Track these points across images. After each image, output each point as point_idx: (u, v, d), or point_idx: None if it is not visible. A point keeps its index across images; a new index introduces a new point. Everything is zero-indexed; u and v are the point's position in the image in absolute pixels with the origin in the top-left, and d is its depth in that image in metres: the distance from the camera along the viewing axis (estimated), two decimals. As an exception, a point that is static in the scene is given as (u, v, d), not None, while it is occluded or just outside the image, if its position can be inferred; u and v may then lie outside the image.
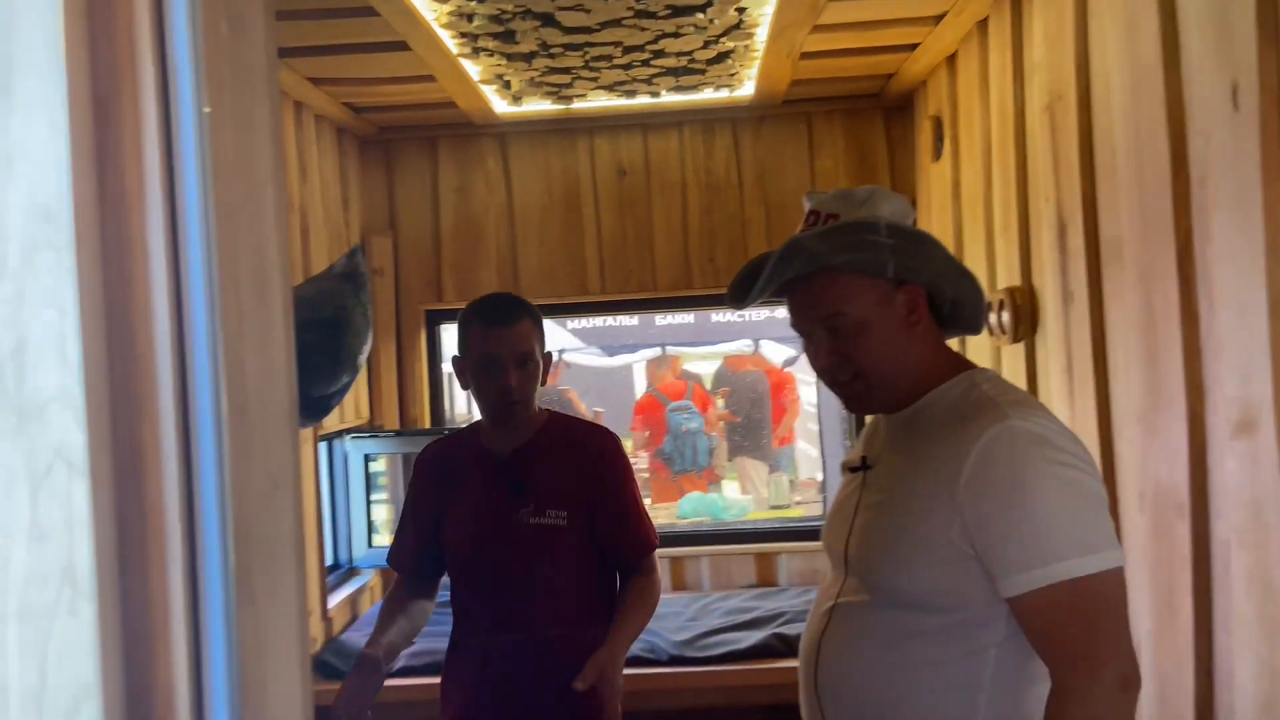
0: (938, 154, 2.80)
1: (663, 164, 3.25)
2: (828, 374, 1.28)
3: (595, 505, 1.79)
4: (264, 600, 0.67)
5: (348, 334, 2.02)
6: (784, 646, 2.55)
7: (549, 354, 1.84)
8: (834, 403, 4.34)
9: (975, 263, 2.48)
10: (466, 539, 1.76)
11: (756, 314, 6.05)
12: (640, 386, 6.94)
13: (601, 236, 3.27)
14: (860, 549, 1.26)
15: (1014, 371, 2.23)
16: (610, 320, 6.32)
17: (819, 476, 4.85)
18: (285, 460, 0.71)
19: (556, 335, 6.12)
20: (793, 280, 1.24)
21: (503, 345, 1.73)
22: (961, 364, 1.31)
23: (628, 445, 7.02)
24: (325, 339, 2.01)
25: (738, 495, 6.37)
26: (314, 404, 2.05)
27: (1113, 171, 1.71)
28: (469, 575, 1.76)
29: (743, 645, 2.60)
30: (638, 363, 6.53)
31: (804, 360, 5.98)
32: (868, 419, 1.47)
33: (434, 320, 3.35)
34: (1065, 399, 1.95)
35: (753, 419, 6.82)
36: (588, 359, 6.23)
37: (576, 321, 6.13)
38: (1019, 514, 1.12)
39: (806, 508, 5.46)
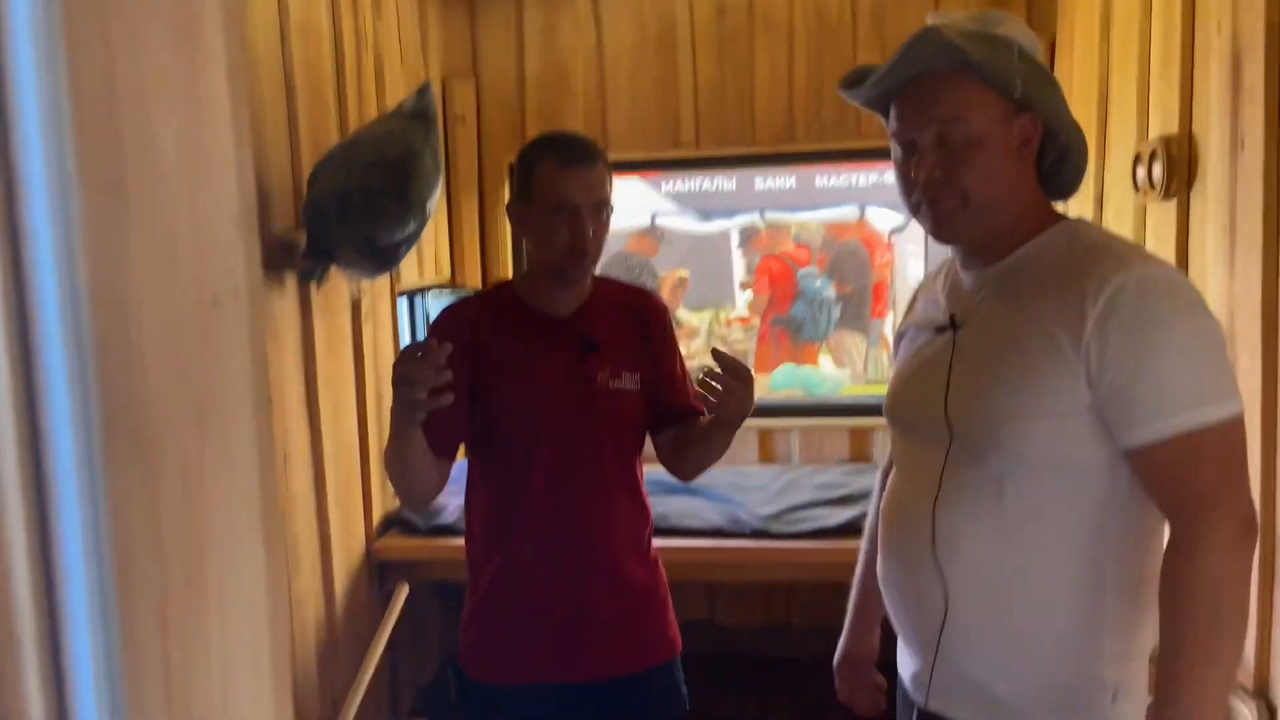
0: (1049, 64, 2.44)
1: (768, 2, 2.95)
2: (926, 189, 1.19)
3: (656, 370, 1.67)
4: (195, 567, 0.47)
5: (416, 177, 1.86)
6: (876, 526, 2.40)
7: (612, 206, 1.63)
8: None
9: (1124, 109, 2.16)
10: (536, 404, 1.58)
11: (864, 177, 5.67)
12: (736, 254, 6.71)
13: (698, 84, 3.01)
14: (969, 410, 1.19)
15: (1161, 232, 1.95)
16: (705, 183, 6.03)
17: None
18: (233, 280, 0.52)
19: (650, 198, 5.87)
20: (908, 82, 1.18)
21: (580, 190, 1.52)
22: (1054, 213, 1.23)
23: (732, 311, 6.86)
24: (391, 182, 1.86)
25: (832, 369, 6.16)
26: (381, 252, 1.92)
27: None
28: (537, 443, 1.57)
29: (830, 522, 2.46)
30: (733, 229, 6.27)
31: (912, 229, 5.59)
32: (930, 274, 1.39)
33: (518, 173, 3.17)
34: (1224, 262, 1.68)
35: (855, 289, 6.53)
36: (681, 224, 5.98)
37: (670, 183, 5.86)
38: (1150, 363, 1.07)
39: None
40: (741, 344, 6.47)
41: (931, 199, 1.19)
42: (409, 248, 1.97)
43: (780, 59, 2.97)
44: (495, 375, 1.57)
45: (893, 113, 1.22)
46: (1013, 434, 1.14)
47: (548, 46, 3.05)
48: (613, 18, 3.02)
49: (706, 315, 7.06)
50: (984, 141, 1.16)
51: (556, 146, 1.57)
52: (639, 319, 1.68)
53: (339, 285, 2.26)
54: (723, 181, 5.94)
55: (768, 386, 5.71)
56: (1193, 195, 1.84)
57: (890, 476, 1.37)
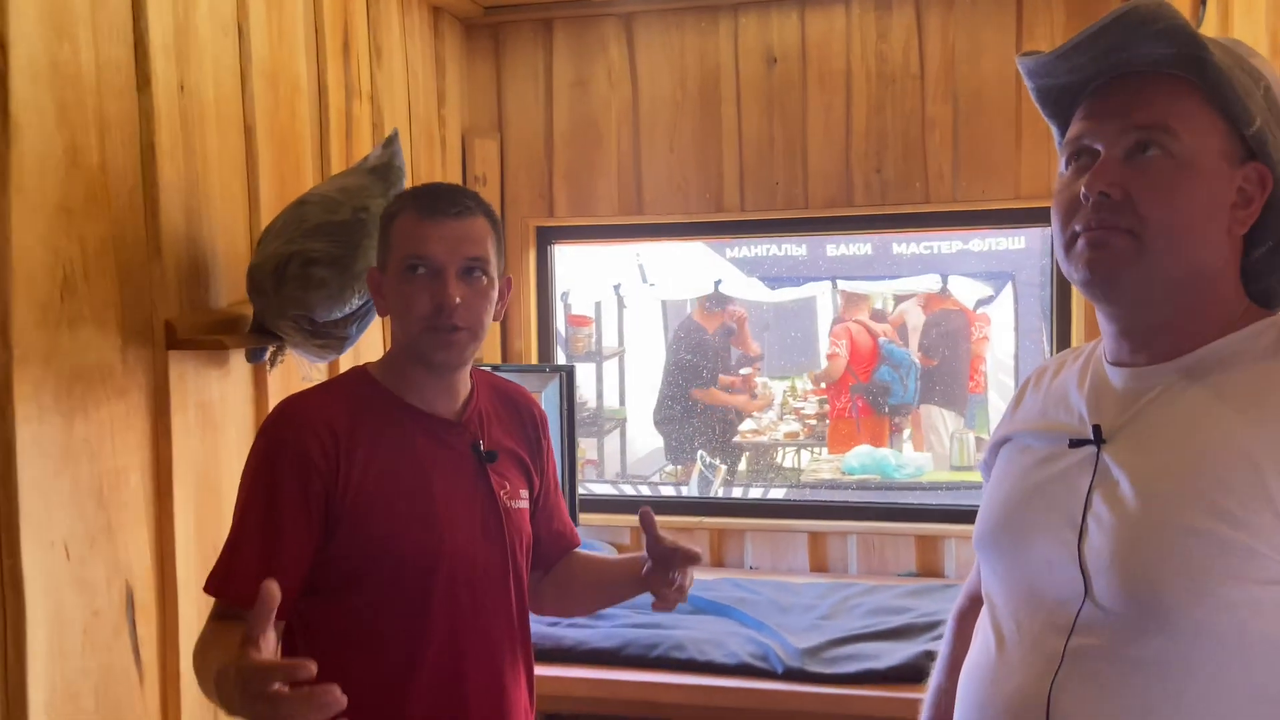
0: (1199, 19, 2.04)
1: (823, 49, 2.62)
2: (1092, 215, 0.89)
3: (544, 487, 1.41)
4: None
5: (365, 245, 1.56)
6: (937, 669, 1.96)
7: (508, 279, 1.33)
8: (1037, 352, 3.58)
9: None
10: (431, 533, 1.23)
11: (947, 244, 5.25)
12: (823, 323, 6.36)
13: (743, 141, 2.68)
14: (1122, 561, 0.87)
15: None
16: (773, 248, 5.69)
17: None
18: None
19: (714, 264, 5.55)
20: (1112, 78, 0.91)
21: (443, 243, 1.21)
22: (1255, 309, 0.93)
23: (801, 382, 6.45)
24: (335, 248, 1.56)
25: (914, 452, 5.68)
26: (324, 331, 1.62)
27: None
28: (433, 583, 1.22)
29: (882, 663, 2.03)
30: (809, 298, 5.90)
31: (1002, 301, 5.09)
32: (1051, 363, 1.06)
33: (544, 239, 2.88)
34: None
35: (948, 362, 6.05)
36: (753, 293, 5.63)
37: (735, 248, 5.53)
38: None
39: (994, 471, 4.73)
40: (814, 419, 6.05)
41: (1095, 229, 0.89)
42: (362, 328, 1.67)
43: (837, 113, 2.62)
44: (368, 493, 1.21)
45: (1078, 112, 0.94)
46: (1189, 601, 0.84)
47: (579, 100, 2.77)
48: (650, 69, 2.72)
49: (780, 387, 6.67)
50: (1192, 170, 0.88)
51: (420, 196, 1.27)
52: (525, 422, 1.39)
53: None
54: (791, 246, 5.59)
55: (841, 469, 5.27)
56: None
57: (978, 627, 1.02)
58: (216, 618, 1.19)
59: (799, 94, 2.64)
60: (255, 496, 1.21)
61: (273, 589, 0.92)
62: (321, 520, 1.19)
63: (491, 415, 1.34)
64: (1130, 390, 0.94)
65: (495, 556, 1.28)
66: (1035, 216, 2.62)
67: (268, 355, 1.74)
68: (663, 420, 5.36)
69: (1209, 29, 1.97)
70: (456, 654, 1.23)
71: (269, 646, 0.92)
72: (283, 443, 1.22)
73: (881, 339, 5.69)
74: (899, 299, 5.87)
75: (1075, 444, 0.95)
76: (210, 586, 1.21)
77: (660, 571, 1.25)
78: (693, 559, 1.23)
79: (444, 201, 1.24)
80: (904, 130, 2.58)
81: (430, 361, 1.25)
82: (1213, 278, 0.92)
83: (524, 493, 1.35)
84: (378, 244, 1.29)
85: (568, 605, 1.48)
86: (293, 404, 1.29)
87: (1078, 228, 0.91)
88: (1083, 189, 0.90)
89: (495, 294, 1.28)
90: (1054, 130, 0.98)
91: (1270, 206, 0.91)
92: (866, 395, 5.82)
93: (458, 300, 1.21)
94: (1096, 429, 0.94)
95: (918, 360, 5.75)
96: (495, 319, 1.30)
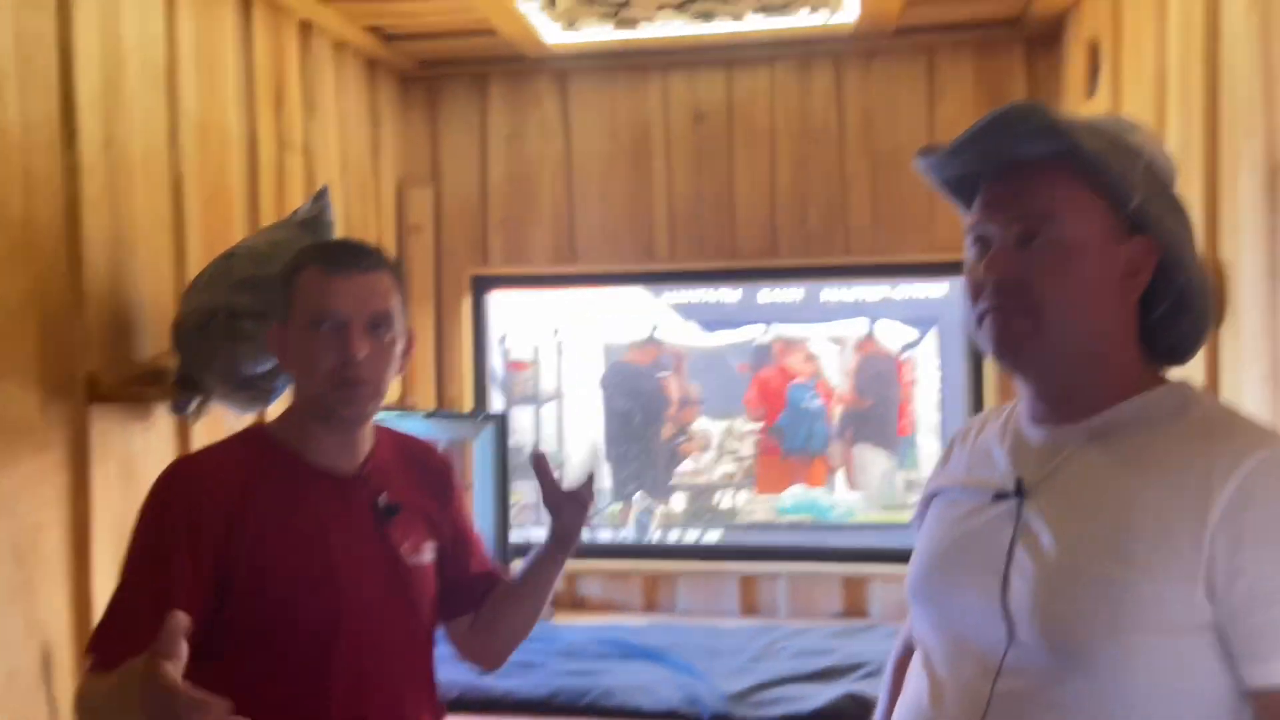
0: (1093, 89, 2.17)
1: (748, 107, 2.71)
2: (994, 296, 0.95)
3: (454, 536, 1.41)
4: None
5: (292, 297, 1.58)
6: (858, 711, 2.01)
7: (411, 333, 1.34)
8: (960, 396, 3.72)
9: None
10: (329, 591, 1.22)
11: (873, 292, 5.40)
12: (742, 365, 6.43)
13: (673, 193, 2.76)
14: (1042, 609, 0.92)
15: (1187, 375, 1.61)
16: (708, 293, 5.78)
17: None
18: None
19: (652, 308, 5.61)
20: (1000, 167, 0.96)
21: (348, 298, 1.21)
22: (1156, 375, 0.99)
23: (739, 424, 6.52)
24: (262, 302, 1.58)
25: (848, 491, 5.76)
26: (251, 383, 1.63)
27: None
28: (333, 642, 1.21)
29: (807, 706, 2.07)
30: (742, 342, 6.00)
31: (925, 346, 5.26)
32: (975, 422, 1.13)
33: (480, 286, 2.92)
34: (1269, 409, 1.34)
35: (879, 403, 6.15)
36: (687, 337, 5.70)
37: (673, 294, 5.60)
38: None
39: (923, 513, 4.82)
40: (749, 460, 6.11)
41: (998, 309, 0.95)
42: (288, 381, 1.68)
43: (762, 168, 2.71)
44: (263, 555, 1.19)
45: (976, 202, 1.00)
46: (1101, 648, 0.88)
47: (514, 152, 2.82)
48: (583, 123, 2.79)
49: (720, 427, 6.73)
50: (1077, 251, 0.93)
51: (324, 250, 1.29)
52: (428, 474, 1.39)
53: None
54: (726, 291, 5.70)
55: (776, 510, 5.33)
56: (1223, 333, 1.50)
57: (910, 673, 1.06)
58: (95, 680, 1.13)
59: (726, 149, 2.72)
60: (143, 558, 1.18)
61: (180, 617, 0.91)
62: (212, 583, 1.16)
63: (393, 469, 1.34)
64: (1046, 448, 0.99)
65: (399, 616, 1.28)
66: (952, 268, 2.72)
67: (192, 407, 1.74)
68: (609, 458, 5.36)
69: (1101, 100, 2.10)
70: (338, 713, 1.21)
71: (179, 664, 0.89)
72: (172, 503, 1.19)
73: (793, 384, 5.73)
74: (832, 342, 5.98)
75: (999, 497, 1.00)
76: (92, 648, 1.15)
77: (560, 520, 1.36)
78: (586, 501, 1.34)
79: (349, 256, 1.25)
80: (826, 185, 2.68)
81: (333, 417, 1.25)
82: (1111, 345, 0.97)
83: (428, 546, 1.34)
84: (281, 299, 1.28)
85: (505, 633, 1.43)
86: (185, 464, 1.28)
87: (983, 307, 0.97)
88: (982, 274, 0.97)
89: (399, 349, 1.29)
90: (960, 210, 1.05)
91: (1162, 270, 0.96)
92: (774, 436, 5.90)
93: (362, 355, 1.21)
94: (1019, 482, 0.99)
95: (825, 411, 5.79)
96: (399, 373, 1.31)
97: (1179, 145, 1.67)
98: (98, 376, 1.58)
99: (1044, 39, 2.50)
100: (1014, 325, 0.94)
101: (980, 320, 0.97)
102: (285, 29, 2.22)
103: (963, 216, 1.04)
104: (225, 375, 1.61)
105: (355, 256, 1.25)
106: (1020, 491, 0.98)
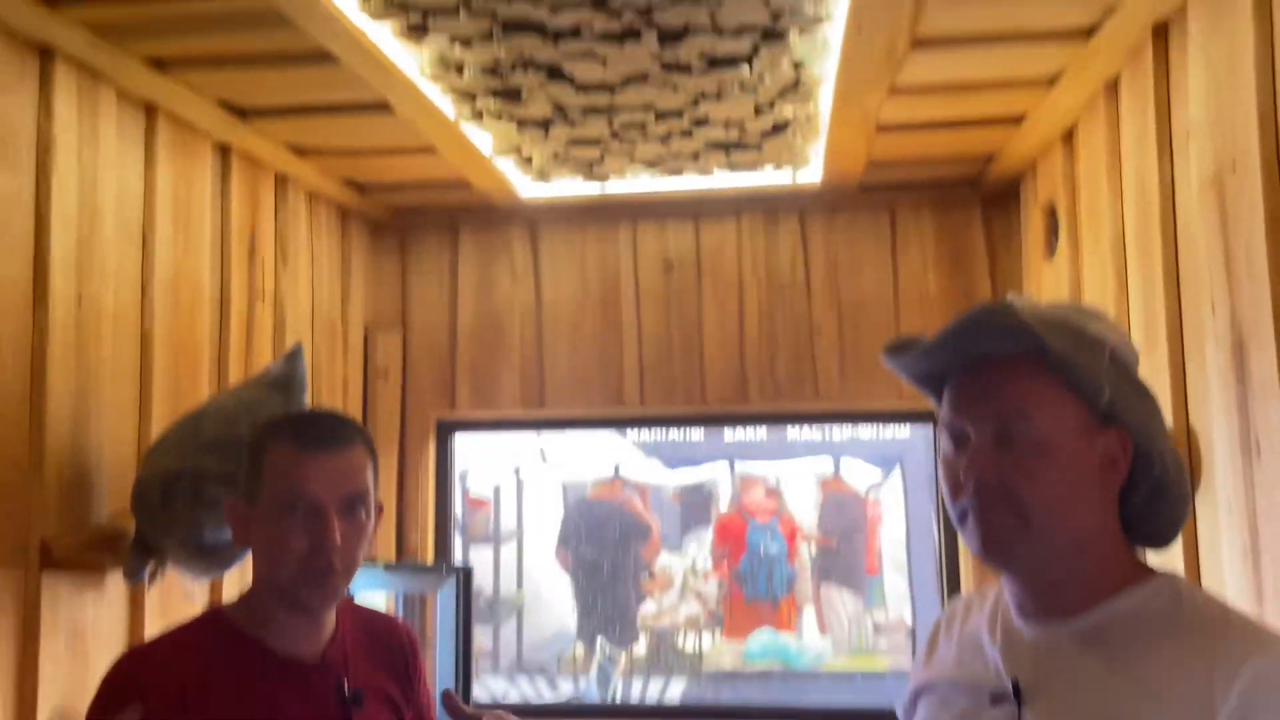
0: (1052, 250, 2.24)
1: (716, 257, 2.76)
2: (976, 496, 0.95)
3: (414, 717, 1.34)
4: None
5: (261, 459, 1.53)
6: None
7: (380, 506, 1.29)
8: (927, 535, 3.71)
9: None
10: None
11: (840, 432, 5.44)
12: (723, 502, 6.37)
13: (642, 340, 2.77)
14: None
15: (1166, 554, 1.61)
16: (674, 433, 5.78)
17: (908, 619, 4.19)
18: None
19: (615, 446, 5.59)
20: (969, 362, 0.98)
21: (325, 480, 1.17)
22: (1143, 565, 0.99)
23: (705, 562, 6.41)
24: (230, 465, 1.53)
25: (817, 635, 5.65)
26: (212, 550, 1.57)
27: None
28: None
29: None
30: (707, 479, 5.96)
31: (891, 485, 5.26)
32: (958, 608, 1.11)
33: (445, 431, 2.88)
34: (1249, 589, 1.34)
35: (845, 543, 6.11)
36: (650, 475, 5.65)
37: (638, 433, 5.60)
38: None
39: (893, 656, 4.73)
40: (713, 602, 5.99)
41: (982, 510, 0.95)
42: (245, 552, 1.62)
43: (730, 317, 2.74)
44: None
45: (946, 396, 1.01)
46: None
47: (483, 297, 2.84)
48: (553, 270, 2.82)
49: (684, 564, 6.61)
50: (1053, 449, 0.94)
51: (297, 426, 1.24)
52: (392, 653, 1.33)
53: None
54: (691, 430, 5.70)
55: (743, 656, 5.19)
56: (1198, 504, 1.52)
57: None
58: None
59: (695, 298, 2.76)
60: None
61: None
62: None
63: (357, 651, 1.29)
64: (1039, 646, 0.97)
65: None
66: (918, 416, 2.76)
67: (147, 574, 1.67)
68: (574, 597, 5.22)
69: (1060, 262, 2.17)
70: None
71: None
72: (124, 701, 1.13)
73: (753, 524, 5.68)
74: (797, 480, 5.97)
75: (995, 700, 0.97)
76: None
77: None
78: None
79: (324, 432, 1.21)
80: (794, 334, 2.71)
81: (301, 604, 1.20)
82: (1097, 538, 0.97)
83: None
84: (247, 474, 1.22)
85: None
86: (138, 656, 1.22)
87: (965, 506, 0.97)
88: (962, 473, 0.96)
89: (371, 526, 1.25)
90: (930, 400, 1.05)
91: (1139, 458, 0.97)
92: (736, 580, 5.82)
93: (337, 542, 1.17)
94: (1015, 685, 0.96)
95: (785, 552, 5.75)
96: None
97: (1142, 312, 1.72)
98: (51, 543, 1.51)
99: (1001, 198, 2.60)
100: (1000, 526, 0.94)
101: (963, 519, 0.97)
102: (262, 181, 2.24)
103: (934, 407, 1.05)
104: (185, 541, 1.55)
105: (330, 432, 1.22)
106: (1018, 694, 0.95)
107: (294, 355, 1.74)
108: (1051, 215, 2.25)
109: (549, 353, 2.80)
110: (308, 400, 1.71)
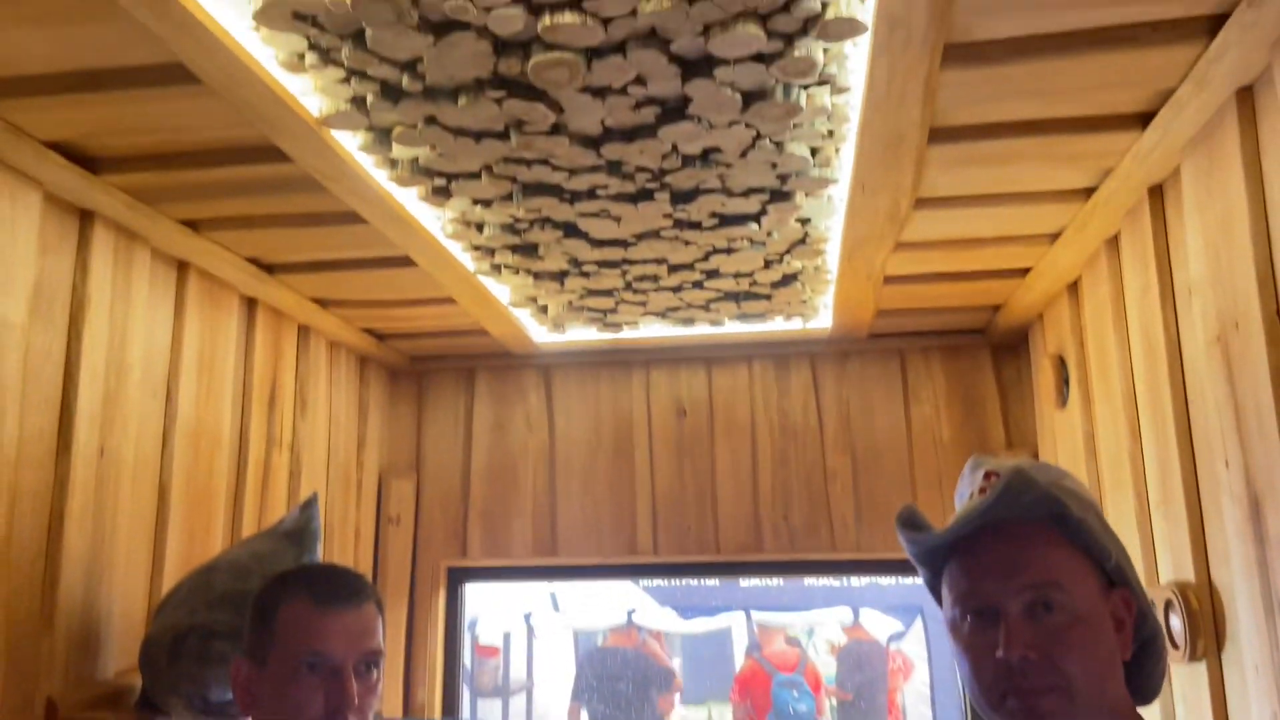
0: (1064, 399, 2.26)
1: (729, 403, 2.79)
2: (1017, 674, 0.92)
3: None
4: None
5: (273, 614, 1.52)
6: None
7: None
8: (953, 688, 3.57)
9: (1126, 543, 1.87)
10: None
11: (858, 579, 5.34)
12: (738, 650, 6.19)
13: (655, 486, 2.77)
14: None
15: (1194, 702, 1.56)
16: (688, 580, 5.69)
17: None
18: None
19: (628, 593, 5.50)
20: (978, 531, 0.96)
21: (342, 639, 1.16)
22: (1140, 717, 0.99)
23: (721, 712, 6.18)
24: (240, 619, 1.52)
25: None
26: (218, 709, 1.54)
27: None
28: None
29: None
30: (724, 627, 5.82)
31: (913, 635, 5.11)
32: None
33: (456, 580, 2.85)
34: (1284, 760, 1.29)
35: (866, 695, 5.90)
36: (667, 623, 5.53)
37: (650, 580, 5.53)
38: None
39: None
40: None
41: (1027, 692, 0.92)
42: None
43: (744, 463, 2.75)
44: None
45: (953, 569, 0.99)
46: None
47: (496, 443, 2.86)
48: (566, 415, 2.85)
49: (698, 716, 6.39)
50: (1090, 617, 0.94)
51: (313, 581, 1.23)
52: None
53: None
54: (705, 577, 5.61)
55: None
56: (1224, 659, 1.48)
57: None
58: None
59: (707, 444, 2.77)
60: None
61: None
62: None
63: None
64: None
65: None
66: (936, 564, 2.71)
67: (152, 730, 1.63)
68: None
69: (1073, 410, 2.18)
70: None
71: None
72: None
73: (777, 679, 5.54)
74: (816, 629, 5.84)
75: None
76: None
77: None
78: None
79: (340, 589, 1.21)
80: (807, 480, 2.71)
81: None
82: (1124, 704, 0.97)
83: None
84: (250, 631, 1.20)
85: None
86: None
87: (1006, 687, 0.94)
88: (1001, 653, 0.93)
89: (381, 685, 1.24)
90: (921, 572, 1.05)
91: (1137, 616, 0.99)
92: None
93: (356, 702, 1.15)
94: None
95: (814, 709, 5.59)
96: None
97: (1157, 465, 1.72)
98: (57, 700, 1.49)
99: (1011, 346, 2.64)
100: (1048, 704, 0.93)
101: (1002, 701, 0.94)
102: (285, 332, 2.30)
103: (923, 577, 1.04)
104: (191, 699, 1.52)
105: (347, 588, 1.22)
106: None
107: (308, 505, 1.75)
108: (1061, 364, 2.27)
109: (562, 498, 2.79)
110: (321, 552, 1.71)
